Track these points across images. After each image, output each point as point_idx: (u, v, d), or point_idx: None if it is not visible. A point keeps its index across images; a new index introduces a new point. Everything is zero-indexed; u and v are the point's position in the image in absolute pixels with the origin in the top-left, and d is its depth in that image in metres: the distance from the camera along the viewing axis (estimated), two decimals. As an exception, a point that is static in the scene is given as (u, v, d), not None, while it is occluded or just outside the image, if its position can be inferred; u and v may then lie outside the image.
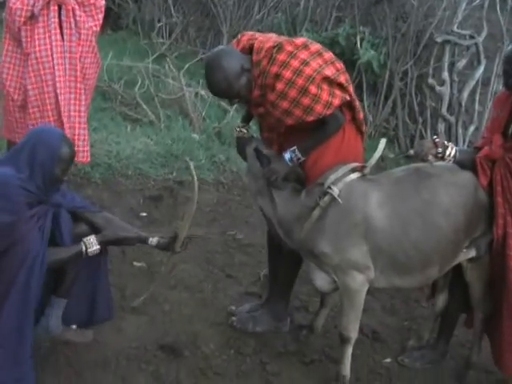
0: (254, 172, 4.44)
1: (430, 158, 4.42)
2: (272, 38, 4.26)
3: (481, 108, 9.29)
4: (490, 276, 4.40)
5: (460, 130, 9.06)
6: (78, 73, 5.60)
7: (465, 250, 4.34)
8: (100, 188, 6.70)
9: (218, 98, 8.77)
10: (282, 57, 4.07)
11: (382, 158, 4.36)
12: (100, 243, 4.11)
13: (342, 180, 4.14)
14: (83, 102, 5.70)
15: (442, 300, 4.76)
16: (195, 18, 11.57)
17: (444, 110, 9.05)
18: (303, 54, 4.11)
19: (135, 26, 11.84)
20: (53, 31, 5.49)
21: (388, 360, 4.81)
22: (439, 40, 9.05)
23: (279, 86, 4.06)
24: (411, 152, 4.76)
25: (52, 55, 5.48)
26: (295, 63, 4.05)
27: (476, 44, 9.13)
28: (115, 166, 7.08)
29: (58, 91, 5.51)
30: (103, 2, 5.75)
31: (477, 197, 4.25)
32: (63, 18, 5.51)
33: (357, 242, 4.10)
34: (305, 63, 4.07)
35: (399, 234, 4.11)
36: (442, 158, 4.39)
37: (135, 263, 5.50)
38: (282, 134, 4.45)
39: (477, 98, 9.25)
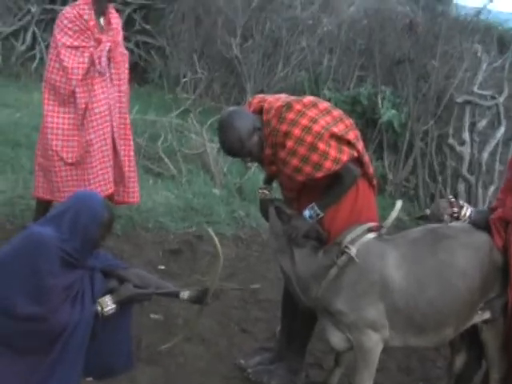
0: (275, 230, 4.50)
1: (446, 217, 4.46)
2: (281, 98, 4.40)
3: (502, 167, 9.30)
4: (506, 337, 4.40)
5: (480, 190, 9.06)
6: (127, 120, 5.85)
7: (480, 312, 4.35)
8: (121, 240, 6.76)
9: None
10: (291, 115, 4.20)
11: (398, 218, 4.41)
12: (115, 303, 4.13)
13: (359, 240, 4.19)
14: (132, 147, 5.89)
15: (459, 360, 4.74)
16: (220, 74, 11.75)
17: (464, 170, 9.09)
18: (311, 112, 4.23)
19: (161, 80, 12.06)
20: (109, 84, 5.70)
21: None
22: (460, 100, 9.13)
23: (289, 143, 4.17)
24: (427, 211, 4.80)
25: (110, 108, 5.69)
26: (304, 121, 4.18)
27: (497, 104, 9.19)
28: (136, 219, 7.15)
29: (116, 140, 5.85)
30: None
31: (492, 258, 4.27)
32: (112, 70, 5.74)
33: (373, 301, 4.13)
34: (313, 121, 4.20)
35: (416, 294, 4.13)
36: (458, 218, 4.43)
37: (152, 315, 5.54)
38: (300, 192, 4.52)
39: (497, 158, 9.27)
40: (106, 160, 5.80)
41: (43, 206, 6.02)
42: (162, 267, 6.42)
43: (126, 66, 6.01)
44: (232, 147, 4.27)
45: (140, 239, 6.90)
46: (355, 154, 4.33)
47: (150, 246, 6.79)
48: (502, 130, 9.20)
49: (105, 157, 5.78)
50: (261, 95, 4.62)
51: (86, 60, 5.62)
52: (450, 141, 9.21)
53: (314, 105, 4.30)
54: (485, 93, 9.30)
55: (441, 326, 4.25)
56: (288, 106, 4.25)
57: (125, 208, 7.18)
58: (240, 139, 4.20)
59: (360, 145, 4.41)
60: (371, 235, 4.25)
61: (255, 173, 8.65)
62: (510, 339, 4.34)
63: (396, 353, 5.32)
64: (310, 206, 4.35)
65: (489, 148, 9.18)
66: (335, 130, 4.26)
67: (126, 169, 5.99)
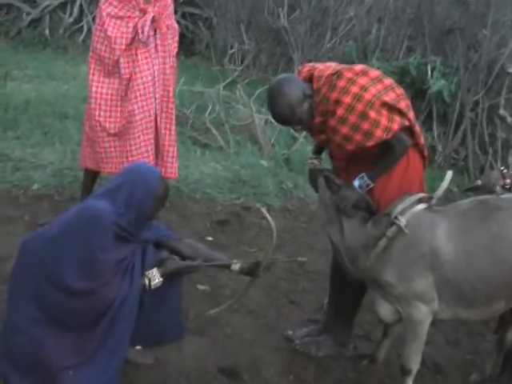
0: (324, 201, 4.47)
1: (498, 188, 4.40)
2: (331, 66, 4.34)
3: (552, 141, 9.19)
4: None
5: (530, 162, 8.96)
6: (171, 93, 5.83)
7: None
8: (168, 211, 6.74)
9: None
10: (341, 83, 4.15)
11: (448, 189, 4.36)
12: (163, 275, 4.13)
13: (409, 211, 4.15)
14: (174, 122, 5.89)
15: (510, 334, 4.69)
16: (267, 45, 11.68)
17: (515, 142, 8.98)
18: (363, 80, 4.18)
19: (208, 51, 12.03)
20: (153, 55, 5.70)
21: (450, 392, 4.78)
22: (511, 70, 8.97)
23: (339, 111, 4.13)
24: (478, 182, 4.74)
25: (154, 79, 5.68)
26: (355, 89, 4.13)
27: (548, 74, 9.05)
28: (183, 190, 7.17)
29: (158, 112, 5.78)
30: (177, 25, 5.99)
31: None
32: (158, 41, 5.72)
33: (422, 273, 4.08)
34: (364, 89, 4.15)
35: (466, 266, 4.07)
36: (510, 190, 4.36)
37: (199, 286, 5.54)
38: (349, 162, 4.49)
39: (548, 130, 9.15)
40: (148, 132, 5.77)
41: (90, 176, 6.03)
42: (210, 238, 6.42)
43: (175, 39, 5.94)
44: (282, 114, 4.21)
45: (187, 210, 6.91)
46: (406, 123, 4.28)
47: (197, 217, 6.79)
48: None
49: (147, 128, 5.75)
50: (310, 64, 4.55)
51: (130, 30, 5.60)
52: (501, 111, 9.08)
53: (365, 73, 4.25)
54: (536, 63, 9.16)
55: (492, 298, 4.18)
56: (338, 74, 4.20)
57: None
58: (290, 106, 4.15)
59: (411, 114, 4.35)
60: (421, 206, 4.20)
61: (303, 144, 8.63)
62: None
63: (444, 326, 5.27)
64: (360, 175, 4.31)
65: (540, 119, 9.05)
66: (386, 98, 4.20)
67: (167, 143, 5.94)
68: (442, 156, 9.32)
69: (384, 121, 4.16)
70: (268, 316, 5.28)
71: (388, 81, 4.32)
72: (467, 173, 9.23)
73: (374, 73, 4.31)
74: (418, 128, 4.44)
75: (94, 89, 5.69)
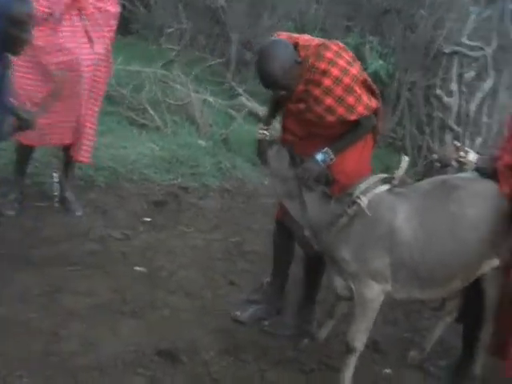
0: (281, 174, 4.44)
1: (453, 162, 4.44)
2: (309, 37, 4.47)
3: (489, 120, 9.26)
4: (503, 285, 4.35)
5: (467, 142, 9.01)
6: (101, 75, 5.70)
7: (488, 261, 4.29)
8: (104, 192, 6.67)
9: (227, 105, 8.83)
10: (329, 54, 4.23)
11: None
12: None
13: (372, 191, 4.16)
14: (99, 103, 5.76)
15: (453, 306, 4.73)
16: (205, 24, 11.55)
17: (451, 121, 9.04)
18: (347, 55, 4.32)
19: (145, 31, 11.84)
20: (78, 34, 5.54)
21: (388, 371, 4.78)
22: (448, 51, 9.06)
23: (326, 81, 4.20)
24: (434, 157, 4.78)
25: (77, 59, 5.53)
26: (342, 62, 4.22)
27: (485, 55, 9.11)
28: (120, 171, 7.05)
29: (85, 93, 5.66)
30: (117, 10, 5.87)
31: (502, 206, 4.21)
32: (86, 22, 5.57)
33: (379, 253, 4.08)
34: (349, 64, 4.26)
35: (424, 248, 4.08)
36: (464, 164, 4.41)
37: (136, 268, 5.47)
38: (304, 138, 4.55)
39: (485, 110, 9.22)
40: (68, 109, 5.64)
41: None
42: (147, 219, 6.35)
43: (110, 23, 5.80)
44: (273, 75, 4.17)
45: (124, 191, 6.81)
46: (379, 104, 4.44)
47: (134, 198, 6.70)
48: (490, 81, 9.13)
49: (68, 106, 5.63)
50: (285, 33, 4.58)
51: (46, 4, 5.44)
52: (438, 92, 9.15)
53: (345, 49, 4.39)
54: (473, 44, 9.23)
55: (449, 278, 4.21)
56: (326, 46, 4.28)
57: (108, 159, 7.10)
58: (283, 69, 4.14)
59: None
60: (383, 187, 4.21)
61: (241, 124, 8.59)
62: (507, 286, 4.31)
63: (382, 305, 5.29)
64: (324, 150, 4.37)
65: (476, 99, 9.12)
66: (366, 77, 4.39)
67: (88, 124, 5.81)
68: (380, 136, 9.31)
69: (365, 98, 4.31)
70: (205, 297, 5.23)
71: (358, 63, 4.44)
72: (404, 152, 9.25)
73: (350, 53, 4.43)
74: (381, 110, 4.59)
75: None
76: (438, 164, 4.63)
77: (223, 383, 4.32)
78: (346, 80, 4.20)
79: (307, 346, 4.80)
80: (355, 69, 4.29)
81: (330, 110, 4.26)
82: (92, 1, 5.61)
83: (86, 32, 5.59)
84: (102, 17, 5.69)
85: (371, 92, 4.42)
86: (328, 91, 4.21)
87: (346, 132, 4.44)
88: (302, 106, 4.37)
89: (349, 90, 4.21)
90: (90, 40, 5.61)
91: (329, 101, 4.23)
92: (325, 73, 4.20)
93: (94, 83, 5.76)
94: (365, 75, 4.41)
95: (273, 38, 4.45)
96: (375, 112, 4.48)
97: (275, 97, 4.57)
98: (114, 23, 5.81)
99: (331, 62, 4.20)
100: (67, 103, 5.54)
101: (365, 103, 4.30)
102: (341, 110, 4.26)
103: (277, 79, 4.17)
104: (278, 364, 4.58)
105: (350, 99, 4.23)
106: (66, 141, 5.81)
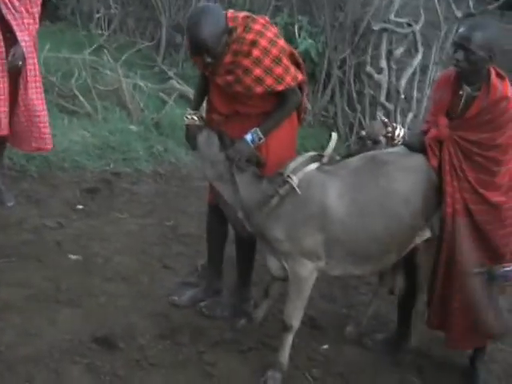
0: (210, 158, 4.43)
1: (381, 138, 4.49)
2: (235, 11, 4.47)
3: (419, 95, 9.37)
4: (441, 256, 4.42)
5: (399, 118, 9.11)
6: (36, 60, 5.62)
7: (420, 233, 4.37)
8: (36, 181, 6.62)
9: (158, 89, 8.78)
10: (257, 26, 4.29)
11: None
12: None
13: (302, 170, 4.17)
14: (42, 90, 5.74)
15: (400, 280, 4.78)
16: (134, 8, 11.44)
17: (382, 98, 9.12)
18: (274, 29, 4.39)
19: (73, 17, 11.67)
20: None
21: (325, 347, 4.83)
22: (376, 28, 9.12)
23: (255, 52, 4.24)
24: (363, 133, 4.83)
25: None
26: (270, 34, 4.28)
27: (413, 32, 9.21)
28: (51, 159, 6.98)
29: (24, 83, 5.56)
30: None
31: (430, 178, 4.28)
32: (5, 10, 5.44)
33: (311, 232, 4.10)
34: (277, 36, 4.34)
35: (357, 224, 4.12)
36: (392, 139, 4.46)
37: (71, 256, 5.43)
38: (230, 117, 4.56)
39: (415, 86, 9.33)
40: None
41: None
42: (80, 207, 6.32)
43: (33, 10, 5.69)
44: (204, 41, 4.14)
45: (56, 180, 6.76)
46: (304, 77, 4.49)
47: (66, 186, 6.66)
48: (419, 57, 9.25)
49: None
50: None
51: None
52: (368, 69, 9.21)
53: (271, 24, 4.45)
54: (401, 20, 9.32)
55: (383, 253, 4.27)
56: (253, 19, 4.34)
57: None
58: (214, 35, 4.14)
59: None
60: (313, 166, 4.22)
61: (172, 107, 8.56)
62: (444, 258, 4.37)
63: (318, 281, 5.33)
64: (253, 130, 4.38)
65: (406, 75, 9.22)
66: (293, 50, 4.47)
67: (41, 113, 5.72)
68: (312, 114, 9.38)
69: (292, 69, 4.35)
70: (141, 282, 5.22)
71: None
72: (337, 130, 9.31)
73: (274, 27, 4.50)
74: (306, 87, 4.66)
75: None
76: (369, 141, 4.69)
77: (161, 367, 4.32)
78: (274, 51, 4.25)
79: (244, 326, 4.82)
80: (282, 41, 4.35)
81: (258, 80, 4.27)
82: None
83: (7, 21, 5.49)
84: (21, 5, 5.57)
85: (297, 66, 4.46)
86: (257, 62, 4.24)
87: (273, 111, 4.46)
88: (230, 77, 4.37)
89: (277, 60, 4.25)
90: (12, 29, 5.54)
91: (258, 71, 4.25)
92: (253, 43, 4.23)
93: (33, 71, 5.64)
94: (291, 49, 4.47)
95: (207, 4, 4.44)
96: (300, 88, 4.52)
97: (202, 67, 4.54)
98: (34, 11, 5.67)
99: (259, 33, 4.25)
100: None
101: (292, 74, 4.34)
102: (269, 81, 4.27)
103: (207, 43, 4.15)
104: (216, 345, 4.60)
105: (278, 70, 4.27)
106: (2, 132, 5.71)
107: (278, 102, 4.45)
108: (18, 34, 5.48)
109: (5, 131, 5.67)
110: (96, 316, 4.70)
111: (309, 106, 9.29)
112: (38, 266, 5.20)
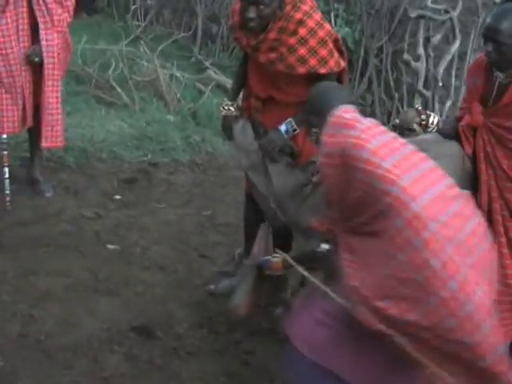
0: (245, 147, 4.45)
1: (415, 126, 4.46)
2: None
3: (457, 83, 9.27)
4: None
5: (437, 106, 9.04)
6: (56, 60, 5.62)
7: None
8: (74, 172, 6.67)
9: (194, 79, 8.81)
10: (305, 7, 4.30)
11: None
12: None
13: None
14: (60, 88, 5.73)
15: None
16: (170, -1, 11.49)
17: (420, 86, 9.03)
18: (320, 13, 4.39)
19: (110, 8, 11.76)
20: (20, 21, 5.48)
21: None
22: (413, 15, 9.02)
23: (302, 31, 4.25)
24: (396, 121, 4.80)
25: (19, 45, 5.49)
26: (317, 17, 4.31)
27: (451, 18, 9.10)
28: (89, 150, 7.05)
29: (44, 80, 5.60)
30: None
31: (465, 166, 4.23)
32: (35, 6, 5.49)
33: None
34: (323, 20, 4.36)
35: None
36: (426, 127, 4.42)
37: (109, 246, 5.48)
38: (267, 103, 4.54)
39: (453, 73, 9.23)
40: (16, 97, 5.63)
41: None
42: (118, 197, 6.36)
43: (66, 3, 5.71)
44: None
45: (94, 170, 6.81)
46: (345, 65, 4.48)
47: (104, 177, 6.70)
48: (457, 44, 9.13)
49: (12, 93, 5.61)
50: None
51: None
52: (405, 56, 9.13)
53: (318, 8, 4.46)
54: (439, 7, 9.19)
55: None
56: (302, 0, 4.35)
57: (77, 140, 7.09)
58: None
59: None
60: None
61: (209, 97, 8.58)
62: None
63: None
64: (288, 120, 4.36)
65: (444, 63, 9.12)
66: (338, 36, 4.44)
67: (55, 111, 5.79)
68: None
69: (336, 54, 4.35)
70: (179, 271, 5.25)
71: None
72: (374, 119, 9.24)
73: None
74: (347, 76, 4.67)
75: None
76: (405, 130, 4.66)
77: (198, 355, 4.34)
78: (321, 33, 4.25)
79: (282, 315, 4.82)
80: (328, 25, 4.35)
81: (302, 60, 4.27)
82: None
83: (33, 18, 5.54)
84: (54, 0, 5.60)
85: (340, 53, 4.44)
86: (303, 41, 4.24)
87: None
88: (273, 55, 4.35)
89: (322, 42, 4.25)
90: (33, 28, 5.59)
91: (302, 51, 4.25)
92: (301, 23, 4.24)
93: (51, 70, 5.69)
94: (337, 35, 4.44)
95: None
96: (340, 78, 4.49)
97: (244, 43, 4.50)
98: (68, 3, 5.72)
99: (307, 14, 4.25)
100: (9, 90, 5.56)
101: (336, 59, 4.33)
102: (313, 62, 4.27)
103: None
104: (253, 334, 4.61)
105: (323, 52, 4.26)
106: (16, 129, 5.79)
107: None
108: (42, 33, 5.55)
109: (30, 123, 5.77)
110: (134, 305, 4.74)
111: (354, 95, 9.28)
112: (77, 256, 5.26)
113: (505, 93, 4.08)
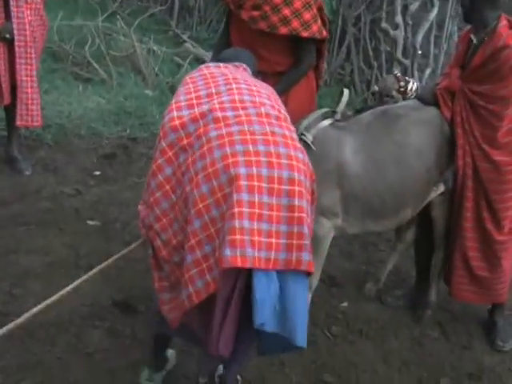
0: None
1: (394, 93, 4.45)
2: None
3: (436, 50, 9.26)
4: (451, 208, 4.43)
5: (416, 74, 9.01)
6: (28, 37, 5.57)
7: (435, 188, 4.36)
8: (53, 149, 6.64)
9: (172, 53, 8.76)
10: None
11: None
12: None
13: (315, 126, 4.12)
14: (34, 67, 5.67)
15: (410, 234, 4.80)
16: (146, -27, 11.41)
17: (399, 54, 8.99)
18: None
19: (86, -17, 11.67)
20: None
21: (345, 304, 4.85)
22: (390, -16, 8.99)
23: None
24: (376, 88, 4.79)
25: None
26: None
27: (428, -15, 9.08)
28: (67, 127, 7.02)
29: (16, 59, 5.57)
30: None
31: (444, 131, 4.27)
32: None
33: (329, 188, 4.05)
34: None
35: (374, 178, 4.10)
36: (405, 93, 4.41)
37: (89, 222, 5.47)
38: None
39: (432, 41, 9.21)
40: None
41: None
42: (97, 173, 6.33)
43: None
44: None
45: (73, 147, 6.78)
46: (327, 35, 4.47)
47: (83, 153, 6.67)
48: (435, 11, 9.09)
49: None
50: None
51: None
52: (383, 25, 9.08)
53: None
54: (415, -26, 9.17)
55: (400, 208, 4.25)
56: None
57: (55, 116, 7.07)
58: None
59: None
60: (326, 122, 4.17)
61: (188, 70, 8.50)
62: (454, 211, 4.39)
63: (338, 239, 5.33)
64: None
65: (422, 30, 9.08)
66: (322, 5, 4.44)
67: (29, 90, 5.72)
68: (328, 73, 9.31)
69: (319, 21, 4.34)
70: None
71: None
72: (354, 87, 9.25)
73: None
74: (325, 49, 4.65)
75: None
76: (384, 97, 4.65)
77: (180, 329, 4.33)
78: None
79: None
80: None
81: (285, 20, 4.25)
82: None
83: None
84: None
85: (323, 22, 4.43)
86: (288, 1, 4.22)
87: (288, 71, 4.44)
88: (256, 13, 4.33)
89: (307, 6, 4.24)
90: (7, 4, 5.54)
91: (286, 11, 4.23)
92: None
93: (23, 48, 5.64)
94: (321, 3, 4.43)
95: None
96: (319, 51, 4.52)
97: None
98: None
99: None
100: None
101: (319, 25, 4.32)
102: (296, 23, 4.25)
103: None
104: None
105: (307, 15, 4.24)
106: None
107: (293, 63, 4.44)
108: (13, 10, 5.51)
109: (7, 101, 5.73)
110: (115, 280, 4.74)
111: (325, 65, 9.25)
112: (57, 233, 5.25)
113: (476, 54, 4.09)
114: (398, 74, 4.59)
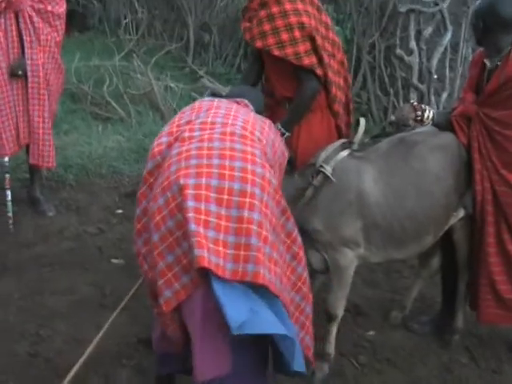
0: None
1: (411, 122, 4.46)
2: None
3: (452, 74, 9.26)
4: (472, 231, 4.41)
5: (433, 98, 9.01)
6: (41, 79, 5.64)
7: (454, 213, 4.36)
8: (75, 189, 6.70)
9: (189, 89, 8.83)
10: None
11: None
12: None
13: (333, 158, 4.13)
14: (47, 108, 5.71)
15: (435, 261, 4.79)
16: (160, 11, 11.51)
17: (415, 80, 9.00)
18: (307, 6, 4.36)
19: (102, 25, 11.82)
20: (10, 39, 5.51)
21: (371, 333, 4.82)
22: (403, 10, 9.00)
23: (275, 9, 4.31)
24: (392, 118, 4.80)
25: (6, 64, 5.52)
26: (299, 6, 4.31)
27: (440, 10, 9.09)
28: (88, 167, 7.08)
29: (30, 100, 5.64)
30: (62, 10, 5.75)
31: (461, 156, 4.27)
32: (22, 25, 5.52)
33: (350, 219, 4.06)
34: (306, 13, 4.32)
35: (394, 207, 4.10)
36: (421, 121, 4.42)
37: (113, 260, 5.49)
38: (275, 101, 4.60)
39: (447, 65, 9.22)
40: (3, 119, 5.65)
41: None
42: (120, 211, 6.38)
43: (54, 23, 5.75)
44: None
45: (95, 186, 6.85)
46: (320, 71, 4.39)
47: (105, 192, 6.73)
48: (449, 35, 9.10)
49: (2, 116, 5.63)
50: None
51: None
52: (398, 51, 9.11)
53: (319, 8, 4.48)
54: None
55: (421, 234, 4.24)
56: None
57: (76, 157, 7.12)
58: None
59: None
60: (344, 153, 4.18)
61: (205, 107, 8.56)
62: (474, 235, 4.37)
63: (360, 267, 5.32)
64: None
65: (437, 55, 9.09)
66: (318, 38, 4.35)
67: (41, 131, 5.80)
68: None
69: (301, 47, 4.29)
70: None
71: None
72: (371, 115, 9.26)
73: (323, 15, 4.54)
74: (333, 88, 4.58)
75: None
76: (401, 126, 4.66)
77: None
78: (292, 19, 4.25)
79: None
80: (308, 20, 4.29)
81: (262, 34, 4.31)
82: (31, 3, 5.57)
83: (20, 36, 5.57)
84: (41, 19, 5.63)
85: (319, 58, 4.37)
86: (271, 17, 4.28)
87: (292, 102, 4.46)
88: (247, 24, 4.43)
89: (289, 27, 4.25)
90: (23, 45, 5.63)
91: (266, 26, 4.29)
92: (278, 2, 4.28)
93: (36, 89, 5.72)
94: (310, 31, 4.31)
95: None
96: (326, 81, 4.48)
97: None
98: (58, 23, 5.74)
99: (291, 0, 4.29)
100: (2, 108, 5.60)
101: (297, 50, 4.28)
102: (271, 40, 4.29)
103: None
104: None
105: (285, 35, 4.26)
106: (7, 151, 5.77)
107: (296, 91, 4.44)
108: (27, 52, 5.58)
109: (24, 141, 5.80)
110: (141, 318, 4.73)
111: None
112: (82, 273, 5.28)
113: (491, 80, 4.10)
114: (415, 103, 4.58)
